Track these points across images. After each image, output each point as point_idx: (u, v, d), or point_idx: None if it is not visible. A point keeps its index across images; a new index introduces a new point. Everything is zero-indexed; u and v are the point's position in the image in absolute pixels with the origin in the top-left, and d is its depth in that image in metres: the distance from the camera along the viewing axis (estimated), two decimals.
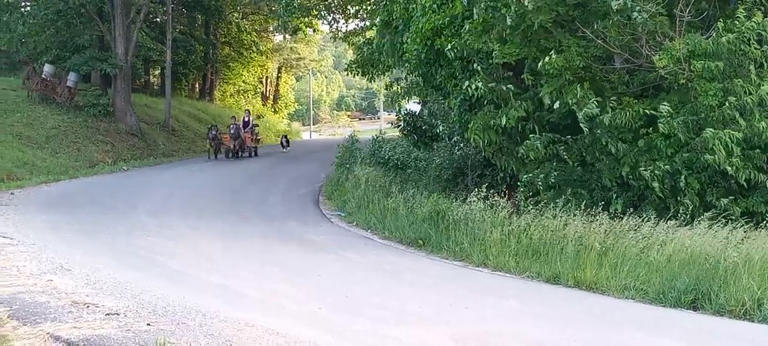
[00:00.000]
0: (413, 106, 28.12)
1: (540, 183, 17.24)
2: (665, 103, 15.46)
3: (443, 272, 14.23)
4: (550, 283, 13.27)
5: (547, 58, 16.23)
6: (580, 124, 16.44)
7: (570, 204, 15.99)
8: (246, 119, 40.70)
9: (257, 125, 44.37)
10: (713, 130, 14.62)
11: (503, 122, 17.22)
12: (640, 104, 16.01)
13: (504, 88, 17.58)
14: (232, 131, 37.92)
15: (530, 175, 17.38)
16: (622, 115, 15.78)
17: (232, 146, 38.15)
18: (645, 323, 10.53)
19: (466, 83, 17.99)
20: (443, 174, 21.87)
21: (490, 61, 17.66)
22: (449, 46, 18.13)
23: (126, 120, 39.18)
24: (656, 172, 15.28)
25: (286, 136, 48.80)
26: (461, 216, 16.82)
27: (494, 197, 17.10)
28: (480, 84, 17.69)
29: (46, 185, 25.97)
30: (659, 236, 13.98)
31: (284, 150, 44.77)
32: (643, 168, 15.53)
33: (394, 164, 25.62)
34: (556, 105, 16.49)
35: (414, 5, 19.32)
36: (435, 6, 18.76)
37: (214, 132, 38.27)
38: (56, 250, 13.90)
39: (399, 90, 30.14)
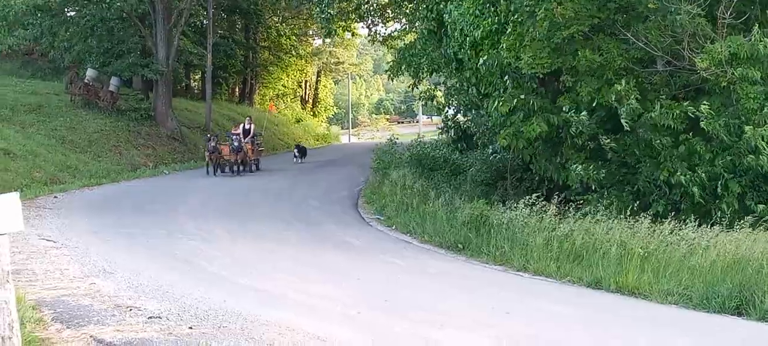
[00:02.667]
0: (451, 111, 28.04)
1: (587, 178, 17.09)
2: (705, 103, 15.31)
3: (484, 276, 14.15)
4: (592, 288, 13.12)
5: (582, 52, 16.12)
6: (622, 122, 16.30)
7: (611, 206, 15.87)
8: (246, 126, 34.29)
9: (260, 134, 37.53)
10: (753, 127, 14.42)
11: (531, 133, 17.17)
12: (681, 106, 15.85)
13: (532, 101, 17.56)
14: (234, 143, 31.77)
15: (579, 169, 17.20)
16: (667, 115, 15.63)
17: (233, 160, 32.34)
18: (691, 328, 10.39)
19: (495, 103, 18.00)
20: (482, 178, 21.81)
21: (521, 70, 17.58)
22: (482, 61, 18.12)
23: (167, 124, 39.51)
24: (696, 178, 15.14)
25: (300, 146, 41.96)
26: (503, 220, 16.74)
27: (538, 201, 17.00)
28: (507, 100, 17.73)
29: (89, 188, 26.23)
30: (701, 240, 13.82)
31: (297, 162, 38.73)
32: (680, 174, 15.39)
33: (431, 167, 25.60)
34: (594, 103, 16.37)
35: (457, 12, 19.22)
36: (477, 11, 18.67)
37: (213, 142, 32.05)
38: (99, 253, 14.02)
39: (438, 94, 30.08)
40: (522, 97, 17.75)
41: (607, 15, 16.46)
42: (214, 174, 31.86)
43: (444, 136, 28.86)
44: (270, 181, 30.43)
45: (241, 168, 32.75)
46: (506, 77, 18.21)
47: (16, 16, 31.88)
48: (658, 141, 15.83)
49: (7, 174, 25.04)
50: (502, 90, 18.85)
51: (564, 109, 17.14)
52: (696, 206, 15.48)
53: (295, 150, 40.12)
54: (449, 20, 19.81)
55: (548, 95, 18.41)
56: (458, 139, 26.23)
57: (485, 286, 13.10)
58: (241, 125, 34.55)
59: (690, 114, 15.58)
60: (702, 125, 15.20)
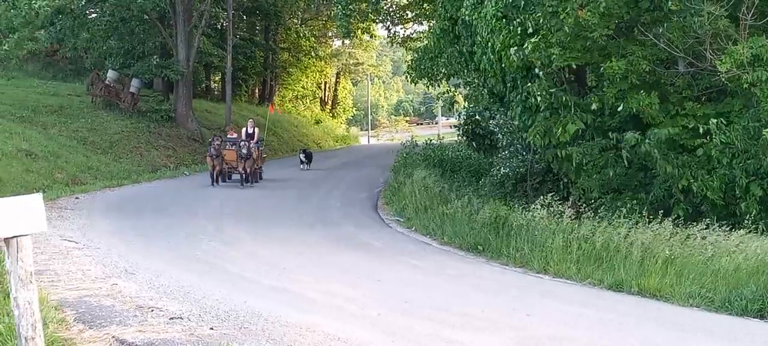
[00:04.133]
0: (468, 112, 28.04)
1: (597, 189, 17.08)
2: (713, 119, 15.25)
3: (504, 278, 14.12)
4: (613, 290, 13.06)
5: (608, 63, 16.08)
6: (622, 151, 16.35)
7: (632, 211, 15.82)
8: (250, 130, 30.04)
9: (262, 139, 32.04)
10: None
11: (560, 133, 17.10)
12: (695, 110, 15.80)
13: (563, 97, 17.45)
14: (242, 150, 27.47)
15: (587, 180, 17.22)
16: (669, 132, 15.58)
17: (241, 169, 27.99)
18: (715, 331, 10.33)
19: (527, 85, 17.87)
20: (503, 180, 21.77)
21: (551, 66, 17.50)
22: (513, 52, 17.98)
23: (187, 125, 39.69)
24: (713, 184, 15.08)
25: (307, 151, 38.08)
26: (523, 222, 16.70)
27: (558, 203, 16.96)
28: (538, 92, 17.60)
29: (110, 189, 26.38)
30: (722, 242, 13.75)
31: (303, 168, 35.48)
32: (698, 183, 15.35)
33: (450, 169, 25.58)
34: (620, 108, 16.32)
35: (476, 15, 19.15)
36: (498, 14, 18.59)
37: (216, 146, 27.74)
38: (120, 254, 14.09)
39: (458, 97, 30.09)
40: (551, 91, 17.67)
41: (637, 13, 16.40)
42: (217, 183, 27.69)
43: (460, 137, 28.85)
44: (289, 182, 30.47)
45: (249, 179, 28.33)
46: (536, 69, 18.07)
47: (42, 21, 32.05)
48: (663, 168, 15.85)
49: (30, 175, 25.23)
50: (524, 89, 18.77)
51: (593, 107, 17.07)
52: (717, 209, 15.40)
53: (302, 155, 36.64)
54: (465, 18, 19.73)
55: (576, 93, 18.34)
56: (474, 139, 26.23)
57: (505, 288, 13.06)
58: (244, 129, 30.46)
59: (700, 128, 15.52)
60: (714, 139, 15.15)
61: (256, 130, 30.58)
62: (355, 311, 10.43)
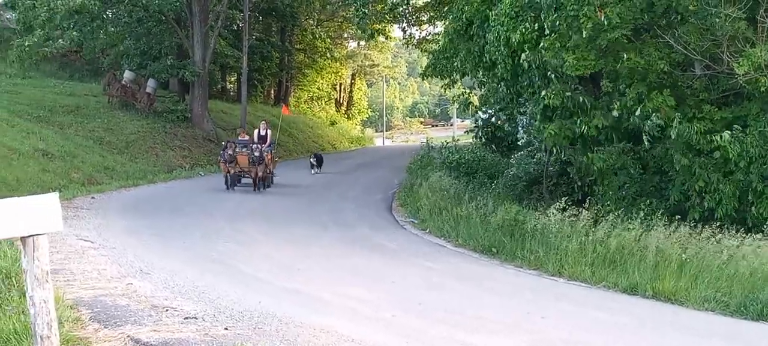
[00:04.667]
0: (483, 114, 28.02)
1: (614, 192, 17.05)
2: (727, 131, 15.19)
3: (518, 281, 14.10)
4: (628, 293, 13.04)
5: (626, 56, 16.03)
6: (644, 139, 16.29)
7: (649, 214, 15.78)
8: (262, 132, 29.11)
9: (275, 142, 31.55)
10: None
11: (583, 130, 17.04)
12: (712, 113, 15.74)
13: (580, 99, 17.40)
14: (254, 153, 26.49)
15: (604, 183, 17.19)
16: (689, 128, 15.51)
17: (254, 174, 27.00)
18: (731, 335, 10.29)
19: (543, 93, 17.85)
20: (518, 183, 21.74)
21: (565, 71, 17.46)
22: (524, 56, 17.96)
23: (203, 126, 39.80)
24: (727, 190, 15.04)
25: (318, 154, 36.79)
26: (538, 225, 16.67)
27: (572, 206, 16.92)
28: (553, 95, 17.57)
29: (126, 189, 26.46)
30: (737, 246, 13.71)
31: (315, 172, 34.15)
32: (710, 193, 15.32)
33: (465, 171, 25.56)
34: (638, 112, 16.26)
35: (492, 12, 19.14)
36: (512, 13, 18.54)
37: (230, 151, 26.78)
38: (135, 254, 14.13)
39: (472, 97, 30.03)
40: (568, 94, 17.64)
41: (652, 17, 16.36)
42: (231, 187, 26.88)
43: (474, 139, 28.83)
44: (303, 184, 30.48)
45: (262, 184, 27.34)
46: (550, 73, 18.03)
47: (60, 22, 32.25)
48: (678, 163, 15.79)
49: (46, 175, 25.36)
50: (540, 89, 18.74)
51: (614, 112, 17.00)
52: (733, 215, 15.35)
53: (313, 159, 35.25)
54: (476, 18, 19.73)
55: (597, 92, 18.30)
56: (493, 141, 26.22)
57: (520, 290, 13.04)
58: (256, 130, 29.53)
59: (714, 140, 15.46)
60: (728, 150, 15.09)
61: (269, 132, 29.44)
62: (369, 312, 10.43)
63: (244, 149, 26.95)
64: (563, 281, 14.12)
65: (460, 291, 12.69)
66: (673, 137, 15.72)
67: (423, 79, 30.18)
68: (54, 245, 13.12)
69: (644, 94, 16.18)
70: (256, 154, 26.40)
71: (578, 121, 17.31)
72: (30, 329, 6.11)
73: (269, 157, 27.76)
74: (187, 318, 9.25)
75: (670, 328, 10.66)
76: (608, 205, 17.51)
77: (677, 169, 16.13)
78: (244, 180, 27.73)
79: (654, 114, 15.99)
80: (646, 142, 16.51)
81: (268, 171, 27.80)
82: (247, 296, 10.76)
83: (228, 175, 27.00)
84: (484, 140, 27.02)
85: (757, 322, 11.29)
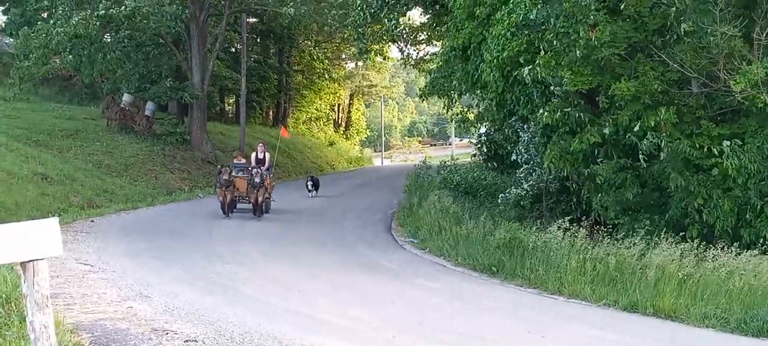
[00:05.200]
0: (483, 129, 28.12)
1: (613, 209, 17.07)
2: (726, 141, 15.23)
3: (518, 299, 14.10)
4: (628, 311, 13.07)
5: (618, 84, 16.11)
6: (640, 157, 16.36)
7: (648, 231, 15.80)
8: (260, 155, 27.21)
9: (273, 165, 29.03)
10: None
11: (575, 147, 17.08)
12: (710, 129, 15.78)
13: (578, 114, 17.44)
14: (255, 179, 25.06)
15: (604, 200, 17.20)
16: (685, 145, 15.55)
17: (253, 200, 25.42)
18: None
19: (541, 111, 17.88)
20: (517, 201, 21.74)
21: (564, 87, 17.52)
22: (527, 71, 18.01)
23: (202, 148, 39.83)
24: (724, 207, 15.08)
25: (314, 177, 35.15)
26: (538, 243, 16.68)
27: (572, 224, 16.94)
28: (552, 111, 17.61)
29: (125, 212, 26.42)
30: (735, 263, 13.73)
31: (312, 195, 33.17)
32: (708, 210, 15.36)
33: (464, 190, 25.58)
34: (636, 128, 16.31)
35: (486, 32, 19.24)
36: (508, 34, 18.62)
37: (226, 175, 25.07)
38: (135, 277, 14.12)
39: (470, 116, 30.12)
40: (566, 110, 17.66)
41: (645, 36, 16.43)
42: (228, 214, 25.11)
43: (475, 158, 28.91)
44: (301, 206, 30.46)
45: (262, 210, 25.70)
46: (552, 87, 18.06)
47: (56, 46, 32.35)
48: (674, 183, 15.84)
49: (45, 198, 25.34)
50: (537, 107, 18.79)
51: (606, 130, 17.04)
52: (732, 233, 15.37)
53: (309, 183, 34.00)
54: (472, 39, 19.81)
55: (595, 109, 18.36)
56: (494, 158, 26.27)
57: (520, 309, 13.04)
58: (254, 153, 27.73)
59: (714, 151, 15.51)
60: (726, 163, 15.13)
61: (268, 154, 27.55)
62: (369, 333, 10.44)
63: (241, 173, 25.80)
64: (563, 299, 14.13)
65: (460, 311, 12.69)
66: (662, 157, 15.79)
67: (421, 100, 30.22)
68: (54, 269, 13.12)
69: (641, 112, 16.22)
70: (257, 179, 25.03)
71: (577, 139, 17.34)
72: None
73: (268, 181, 26.19)
74: (187, 341, 9.26)
75: (668, 344, 10.66)
76: (609, 223, 17.53)
77: (674, 188, 16.17)
78: (239, 205, 26.16)
79: (650, 132, 16.05)
80: (642, 161, 16.57)
81: (267, 195, 26.27)
82: (247, 318, 10.77)
83: (224, 201, 25.28)
84: (485, 158, 27.08)
85: (758, 338, 11.30)
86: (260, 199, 25.43)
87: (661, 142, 15.96)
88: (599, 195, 17.89)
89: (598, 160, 17.93)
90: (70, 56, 33.81)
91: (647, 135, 16.06)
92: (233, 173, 25.51)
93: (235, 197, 25.73)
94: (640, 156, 16.57)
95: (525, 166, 21.96)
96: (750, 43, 15.40)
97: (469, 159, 31.94)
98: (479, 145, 27.70)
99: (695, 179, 15.89)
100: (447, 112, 30.68)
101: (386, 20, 29.95)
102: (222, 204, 25.41)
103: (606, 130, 16.95)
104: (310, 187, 33.67)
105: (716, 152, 15.48)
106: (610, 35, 15.86)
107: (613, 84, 16.34)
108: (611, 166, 17.39)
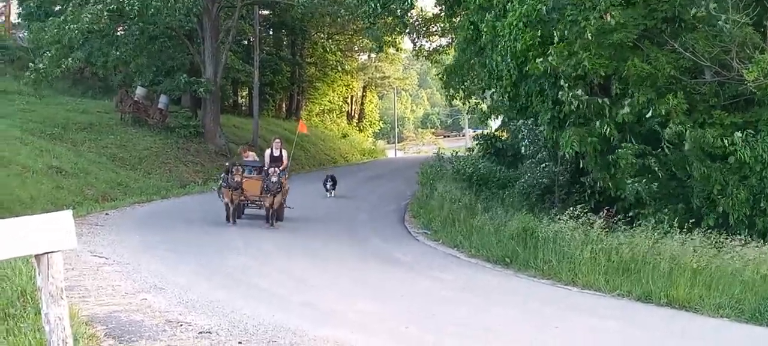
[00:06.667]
0: (494, 123, 28.15)
1: (635, 196, 16.97)
2: (738, 132, 15.12)
3: (532, 290, 14.09)
4: (642, 301, 13.03)
5: (631, 63, 16.04)
6: (664, 145, 16.24)
7: (663, 220, 15.74)
8: (275, 152, 22.75)
9: (288, 166, 23.60)
10: None
11: (604, 131, 16.93)
12: (722, 118, 15.68)
13: (598, 100, 17.33)
14: (271, 179, 20.85)
15: (634, 183, 17.07)
16: (707, 134, 15.46)
17: (269, 205, 21.34)
18: (742, 341, 10.26)
19: (560, 94, 17.71)
20: (530, 192, 21.73)
21: (576, 75, 17.40)
22: (539, 61, 17.93)
23: (215, 140, 39.90)
24: (740, 196, 15.00)
25: (331, 177, 31.53)
26: (550, 234, 16.65)
27: (586, 214, 16.89)
28: (570, 98, 17.51)
29: (139, 205, 26.51)
30: (750, 252, 13.67)
31: (329, 195, 30.22)
32: (724, 198, 15.27)
33: (477, 181, 25.58)
34: (649, 114, 16.23)
35: (500, 24, 19.17)
36: (520, 24, 18.53)
37: (238, 178, 21.16)
38: (150, 269, 14.17)
39: (484, 109, 30.11)
40: (585, 98, 17.56)
41: (655, 23, 16.35)
42: (234, 221, 21.42)
43: (476, 151, 28.91)
44: (316, 197, 30.46)
45: (275, 218, 21.66)
46: (562, 81, 17.98)
47: (71, 41, 32.39)
48: (698, 170, 15.73)
49: (60, 192, 25.47)
50: (551, 97, 18.70)
51: (623, 111, 16.92)
52: (747, 221, 15.30)
53: (328, 182, 30.89)
54: (486, 29, 19.71)
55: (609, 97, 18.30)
56: (495, 153, 26.28)
57: (533, 300, 13.03)
58: (268, 150, 23.38)
59: (725, 142, 15.40)
60: (738, 154, 15.04)
61: (284, 152, 22.98)
62: (382, 325, 10.45)
63: (253, 172, 22.26)
64: (577, 290, 14.11)
65: (474, 303, 12.69)
66: (687, 147, 15.67)
67: (441, 96, 30.00)
68: (68, 261, 13.17)
69: (654, 100, 16.15)
70: (274, 179, 20.84)
71: (598, 123, 17.21)
72: None
73: (283, 180, 21.72)
74: (201, 333, 9.29)
75: (684, 335, 10.64)
76: (626, 212, 17.45)
77: (696, 176, 16.06)
78: (247, 210, 23.05)
79: (671, 122, 15.96)
80: (666, 150, 16.42)
81: (283, 201, 22.20)
82: (261, 310, 10.79)
83: (231, 205, 21.47)
84: (489, 153, 27.09)
85: None
86: (276, 204, 21.47)
87: (685, 130, 15.81)
88: (617, 183, 17.79)
89: (615, 148, 17.82)
90: (81, 53, 33.94)
91: (670, 123, 15.93)
92: (245, 174, 21.74)
93: (244, 201, 22.25)
94: (663, 144, 16.44)
95: (532, 160, 21.97)
96: (762, 32, 15.31)
97: (474, 150, 31.75)
98: (481, 142, 27.78)
99: (713, 167, 15.79)
100: (463, 105, 30.61)
101: (398, 10, 29.85)
102: (226, 208, 21.65)
103: (623, 112, 16.75)
104: (328, 186, 30.61)
105: (727, 143, 15.37)
106: (622, 19, 15.81)
107: (626, 68, 16.25)
108: (633, 150, 17.23)
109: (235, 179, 21.09)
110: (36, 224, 5.84)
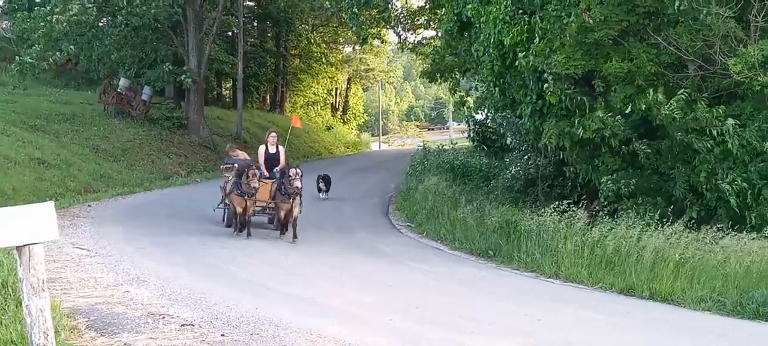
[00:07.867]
0: (480, 116, 28.17)
1: (618, 189, 17.02)
2: (730, 119, 15.16)
3: (515, 283, 14.13)
4: (625, 294, 13.11)
5: (609, 63, 16.09)
6: (661, 122, 16.18)
7: (645, 213, 15.80)
8: (272, 149, 19.57)
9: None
10: None
11: (580, 133, 16.99)
12: (706, 112, 15.71)
13: (579, 98, 17.38)
14: (294, 182, 17.50)
15: (609, 182, 17.13)
16: (698, 112, 15.47)
17: (284, 213, 18.14)
18: (728, 334, 10.33)
19: (544, 86, 17.75)
20: (513, 185, 21.79)
21: (553, 70, 17.46)
22: (522, 56, 17.98)
23: (199, 132, 39.77)
24: (734, 184, 15.01)
25: (324, 176, 28.54)
26: (533, 227, 16.70)
27: (569, 207, 16.94)
28: (551, 93, 17.57)
29: (122, 197, 26.41)
30: (735, 246, 13.75)
31: (322, 197, 27.53)
32: (720, 178, 15.27)
33: (461, 173, 25.62)
34: (627, 111, 16.30)
35: (483, 9, 19.20)
36: (507, 17, 18.57)
37: (255, 183, 17.44)
38: (132, 261, 14.11)
39: (469, 100, 30.16)
40: (568, 92, 17.60)
41: (637, 19, 16.39)
42: (248, 233, 18.07)
43: (469, 142, 28.98)
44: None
45: (289, 228, 18.26)
46: (546, 74, 18.00)
47: (59, 34, 32.21)
48: (700, 144, 15.66)
49: (42, 183, 25.32)
50: (535, 91, 18.73)
51: (599, 113, 16.96)
52: (731, 212, 15.35)
53: (320, 182, 28.17)
54: (472, 13, 19.71)
55: (591, 92, 18.34)
56: (485, 142, 26.31)
57: (516, 293, 13.07)
58: (261, 147, 19.81)
59: (716, 128, 15.43)
60: (728, 144, 15.08)
61: (281, 148, 19.97)
62: (366, 316, 10.45)
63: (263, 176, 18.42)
64: (560, 282, 14.17)
65: (457, 294, 12.72)
66: (677, 118, 15.49)
67: (431, 81, 29.91)
68: (50, 253, 13.12)
69: (634, 96, 16.20)
70: (297, 184, 17.58)
71: (576, 122, 17.28)
72: (27, 338, 6.11)
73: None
74: (183, 325, 9.26)
75: (666, 328, 10.69)
76: (606, 205, 17.51)
77: (681, 163, 16.04)
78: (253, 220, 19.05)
79: (649, 110, 15.97)
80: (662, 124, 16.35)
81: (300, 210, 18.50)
82: (244, 302, 10.77)
83: (241, 215, 18.24)
84: (476, 142, 27.11)
85: (753, 321, 11.33)
86: (295, 212, 18.09)
87: (675, 114, 15.74)
88: (599, 177, 17.85)
89: (596, 144, 17.88)
90: (72, 46, 33.77)
91: (661, 108, 15.89)
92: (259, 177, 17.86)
93: (261, 208, 19.35)
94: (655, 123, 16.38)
95: (519, 150, 22.02)
96: (745, 26, 15.38)
97: (467, 143, 31.91)
98: (472, 131, 27.74)
99: (703, 155, 15.77)
100: (453, 95, 30.66)
101: (379, 2, 29.84)
102: (234, 216, 18.69)
103: (599, 114, 16.82)
104: (322, 187, 28.08)
105: (716, 134, 15.39)
106: (602, 15, 15.83)
107: (606, 66, 16.30)
108: (615, 161, 17.36)
109: (253, 185, 17.40)
110: (17, 215, 5.81)
